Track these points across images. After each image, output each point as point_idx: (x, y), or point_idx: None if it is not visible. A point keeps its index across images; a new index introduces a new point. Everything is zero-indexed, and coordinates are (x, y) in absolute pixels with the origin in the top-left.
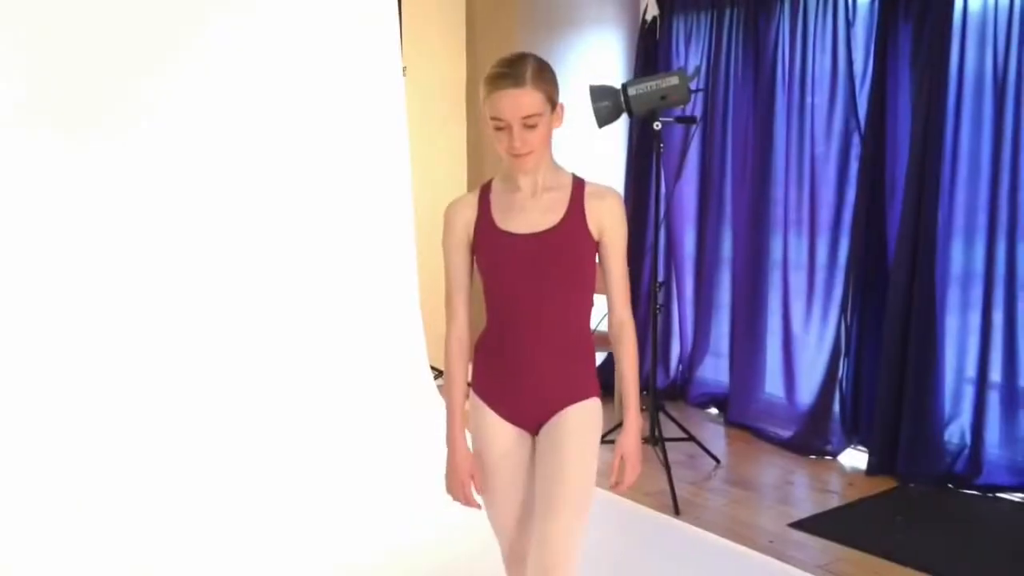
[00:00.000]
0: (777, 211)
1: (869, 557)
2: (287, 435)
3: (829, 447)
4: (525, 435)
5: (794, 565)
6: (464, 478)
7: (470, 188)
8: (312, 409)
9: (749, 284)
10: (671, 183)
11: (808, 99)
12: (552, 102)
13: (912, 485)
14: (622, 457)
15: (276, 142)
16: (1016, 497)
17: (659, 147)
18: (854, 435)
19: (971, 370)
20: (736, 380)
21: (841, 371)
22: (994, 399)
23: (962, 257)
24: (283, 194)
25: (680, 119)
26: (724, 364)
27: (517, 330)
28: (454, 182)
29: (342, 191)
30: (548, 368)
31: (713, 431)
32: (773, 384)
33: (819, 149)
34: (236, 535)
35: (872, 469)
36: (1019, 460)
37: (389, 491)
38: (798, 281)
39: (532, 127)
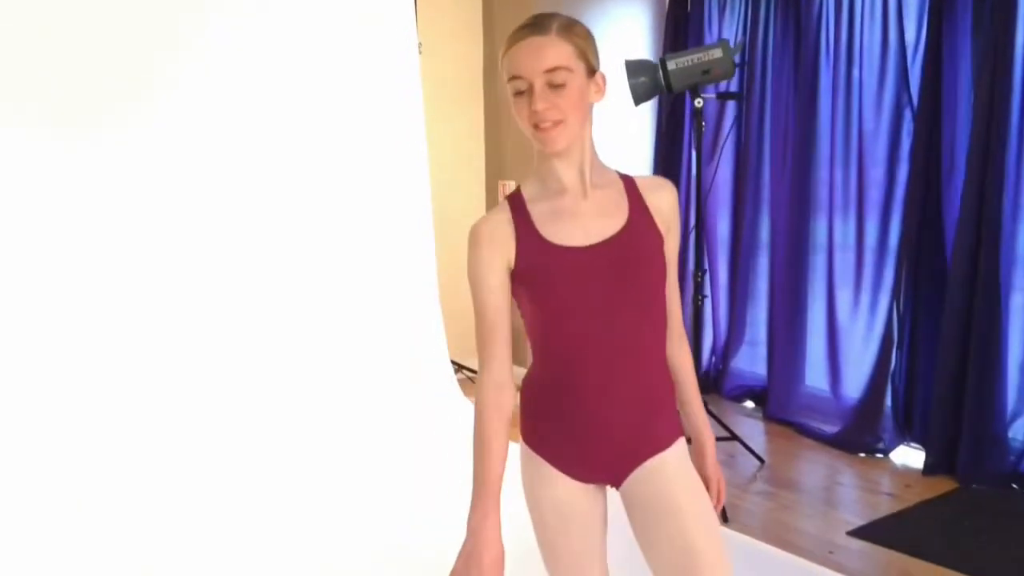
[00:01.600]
0: (821, 192)
1: (936, 568)
2: (300, 430)
3: (880, 444)
4: (597, 491)
5: None
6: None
7: (488, 169)
8: (330, 404)
9: (790, 270)
10: (706, 165)
11: (855, 73)
12: (586, 61)
13: (974, 486)
14: (716, 480)
15: (290, 125)
16: None
17: (700, 126)
18: (907, 432)
19: None
20: (776, 372)
21: (893, 363)
22: None
23: None
24: (297, 179)
25: (723, 95)
26: (761, 354)
27: (585, 368)
28: (471, 164)
29: (358, 174)
30: (632, 410)
31: (751, 427)
32: (816, 376)
33: (868, 126)
34: (253, 530)
35: (929, 469)
36: None
37: (409, 487)
38: (844, 266)
39: (559, 86)
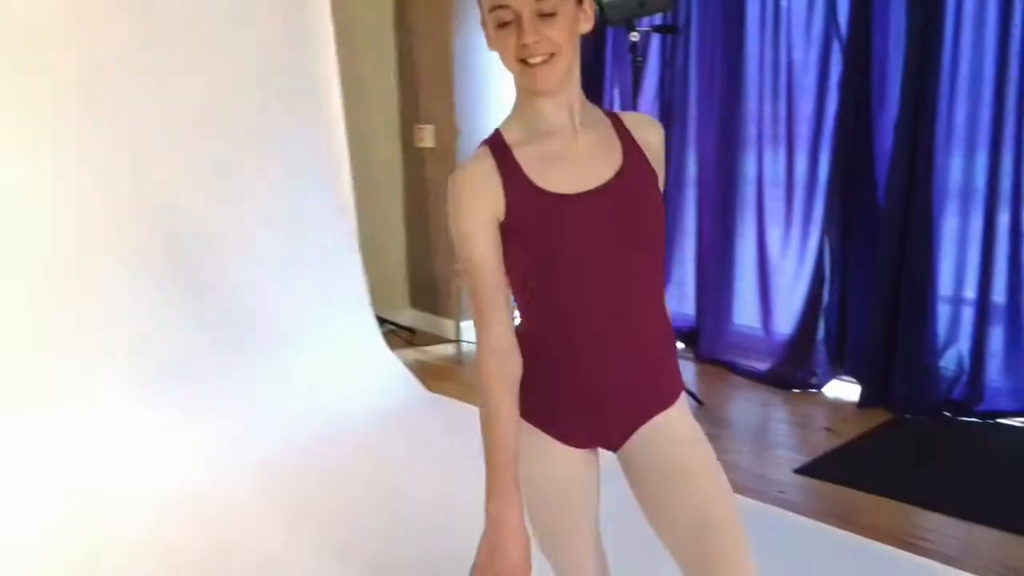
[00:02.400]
0: (749, 126)
1: (881, 499)
2: (221, 392)
3: (813, 379)
4: (591, 456)
5: (813, 516)
6: (520, 571)
7: (403, 113)
8: (251, 363)
9: (718, 207)
10: (628, 101)
11: (783, 1)
12: None
13: (908, 416)
14: None
15: (196, 69)
16: (1018, 422)
17: (637, 61)
18: (839, 366)
19: (971, 291)
20: (705, 311)
21: (825, 298)
22: (996, 321)
23: (961, 174)
24: (206, 126)
25: (659, 28)
26: (690, 294)
27: (587, 323)
28: (385, 109)
29: (270, 122)
30: (636, 366)
31: (683, 368)
32: (746, 314)
33: (796, 56)
34: (155, 486)
35: (863, 401)
36: (1023, 384)
37: (339, 445)
38: (774, 202)
39: (549, 16)
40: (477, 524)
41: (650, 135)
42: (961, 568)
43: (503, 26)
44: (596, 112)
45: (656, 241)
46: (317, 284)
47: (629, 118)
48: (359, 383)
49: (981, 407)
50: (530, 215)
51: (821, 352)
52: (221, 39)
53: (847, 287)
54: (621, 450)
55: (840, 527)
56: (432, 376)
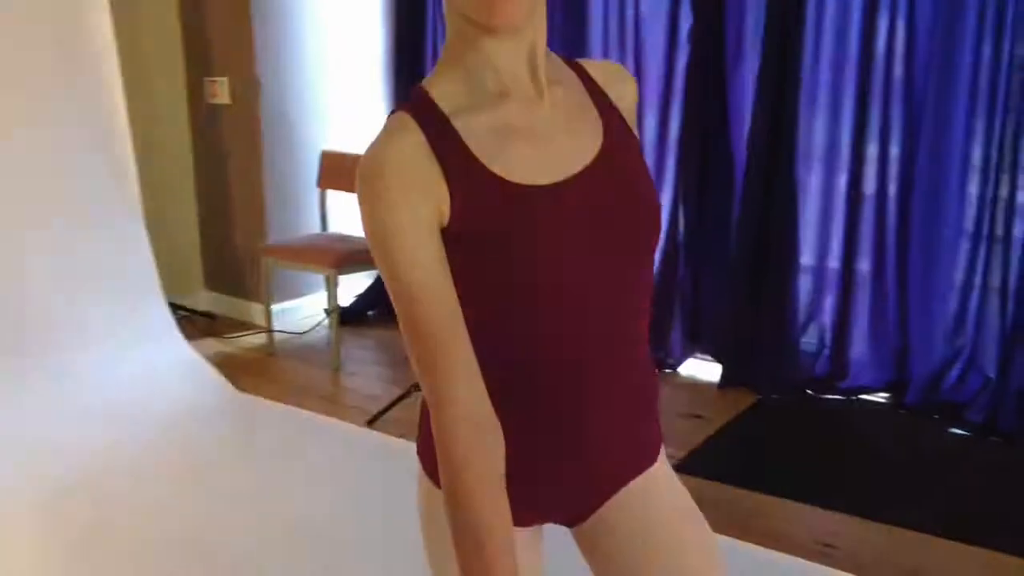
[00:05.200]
0: None
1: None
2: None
3: (670, 359)
4: (536, 535)
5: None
6: None
7: (189, 67)
8: (38, 354)
9: None
10: None
11: None
12: None
13: (773, 396)
14: None
15: None
16: (882, 398)
17: None
18: (696, 344)
19: (834, 261)
20: None
21: (680, 271)
22: (860, 292)
23: (825, 134)
24: None
25: None
26: None
27: (559, 366)
28: (167, 63)
29: (28, 78)
30: (620, 418)
31: None
32: None
33: (644, 9)
34: None
35: (725, 382)
36: (886, 358)
37: (136, 437)
38: None
39: None
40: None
41: (626, 88)
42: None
43: None
44: (558, 62)
45: (650, 251)
46: (96, 266)
47: (596, 69)
48: (153, 381)
49: (844, 384)
50: (486, 217)
51: (676, 330)
52: None
53: (703, 258)
54: (584, 523)
55: (738, 536)
56: (241, 371)
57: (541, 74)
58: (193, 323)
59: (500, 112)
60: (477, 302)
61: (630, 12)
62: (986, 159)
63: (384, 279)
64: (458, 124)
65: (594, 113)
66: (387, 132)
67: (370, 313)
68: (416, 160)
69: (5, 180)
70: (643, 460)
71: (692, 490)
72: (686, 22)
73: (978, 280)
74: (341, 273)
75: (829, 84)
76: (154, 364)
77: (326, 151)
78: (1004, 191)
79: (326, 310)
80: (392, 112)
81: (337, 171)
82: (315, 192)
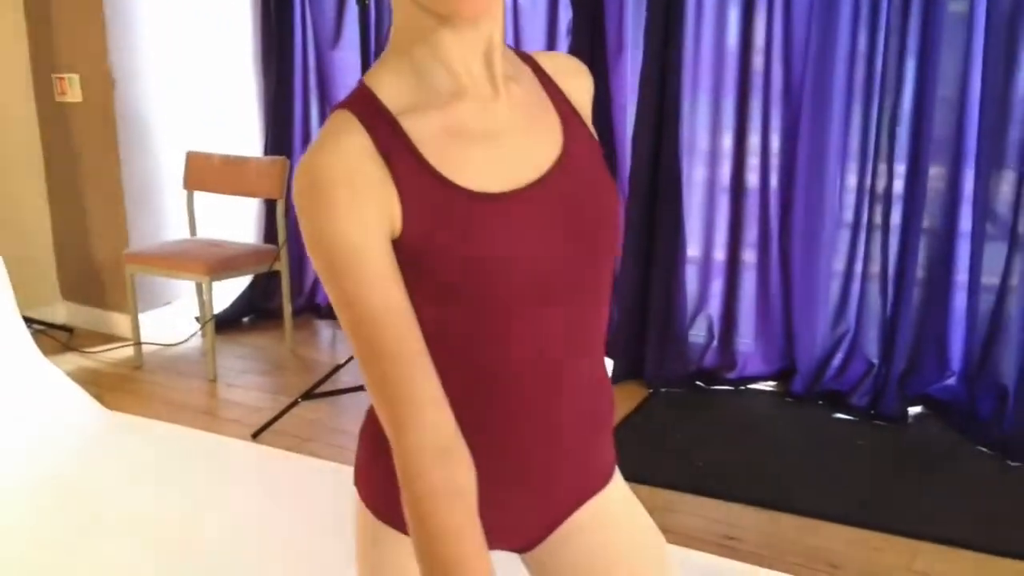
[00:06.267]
0: None
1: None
2: None
3: None
4: None
5: None
6: None
7: (36, 64)
8: None
9: None
10: (326, 50)
11: None
12: None
13: (663, 390)
14: None
15: None
16: (769, 387)
17: (364, 4)
18: None
19: (720, 252)
20: None
21: None
22: (746, 283)
23: (708, 127)
24: None
25: None
26: None
27: (523, 385)
28: (10, 59)
29: None
30: (577, 439)
31: None
32: None
33: (522, 0)
34: None
35: (618, 376)
36: (773, 347)
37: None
38: None
39: None
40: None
41: (582, 83)
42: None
43: None
44: (512, 56)
45: (617, 247)
46: None
47: (552, 62)
48: (10, 401)
49: (733, 375)
50: (439, 228)
51: None
52: None
53: None
54: (536, 549)
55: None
56: (107, 388)
57: (498, 71)
58: (50, 336)
59: (453, 112)
60: (425, 303)
61: (508, 3)
62: (863, 150)
63: (333, 300)
64: (407, 125)
65: (552, 112)
66: (329, 134)
67: (245, 320)
68: (364, 167)
69: None
70: (597, 481)
71: None
72: (566, 15)
73: (858, 268)
74: (215, 280)
75: (710, 77)
76: (9, 383)
77: (192, 152)
78: (881, 181)
79: (198, 319)
80: (333, 110)
81: (204, 172)
82: (181, 195)
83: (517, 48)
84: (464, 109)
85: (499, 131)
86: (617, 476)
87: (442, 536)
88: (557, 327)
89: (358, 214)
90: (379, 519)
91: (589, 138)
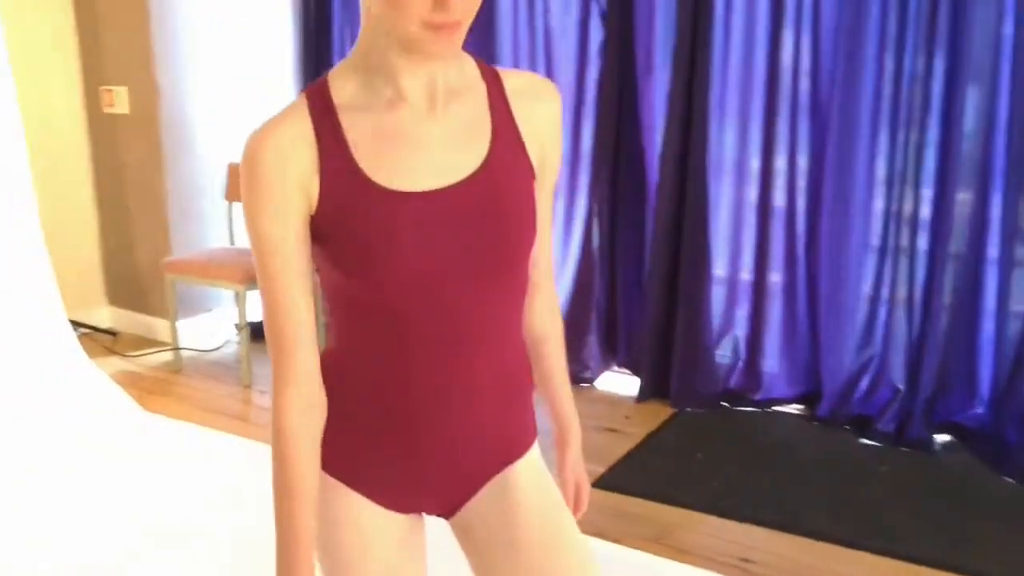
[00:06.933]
0: None
1: (696, 515)
2: None
3: (587, 373)
4: (415, 523)
5: (628, 542)
6: None
7: (87, 67)
8: None
9: None
10: None
11: None
12: None
13: (688, 409)
14: (577, 483)
15: None
16: (795, 410)
17: None
18: (612, 357)
19: (747, 273)
20: None
21: (595, 285)
22: (772, 304)
23: (735, 147)
24: None
25: None
26: None
27: (416, 357)
28: (63, 72)
29: None
30: (480, 411)
31: None
32: None
33: (554, 23)
34: None
35: (643, 395)
36: (799, 370)
37: (40, 462)
38: None
39: None
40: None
41: (540, 107)
42: None
43: None
44: (471, 73)
45: (515, 260)
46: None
47: (516, 82)
48: (55, 400)
49: (759, 396)
50: (349, 213)
51: (593, 344)
52: None
53: (617, 270)
54: (456, 516)
55: (656, 552)
56: (147, 391)
57: (439, 89)
58: (95, 340)
59: (389, 117)
60: (337, 278)
61: (540, 25)
62: (890, 173)
63: (255, 261)
64: (344, 120)
65: (487, 129)
66: (281, 115)
67: None
68: (295, 150)
69: None
70: (510, 453)
71: (611, 505)
72: (597, 36)
73: (885, 293)
74: (250, 289)
75: (737, 98)
76: (55, 383)
77: (233, 163)
78: (908, 205)
79: (236, 326)
80: (300, 93)
81: None
82: (223, 205)
83: (516, 67)
84: (399, 117)
85: (425, 141)
86: (534, 450)
87: (290, 462)
88: (450, 310)
89: (279, 191)
90: (324, 471)
91: (517, 157)
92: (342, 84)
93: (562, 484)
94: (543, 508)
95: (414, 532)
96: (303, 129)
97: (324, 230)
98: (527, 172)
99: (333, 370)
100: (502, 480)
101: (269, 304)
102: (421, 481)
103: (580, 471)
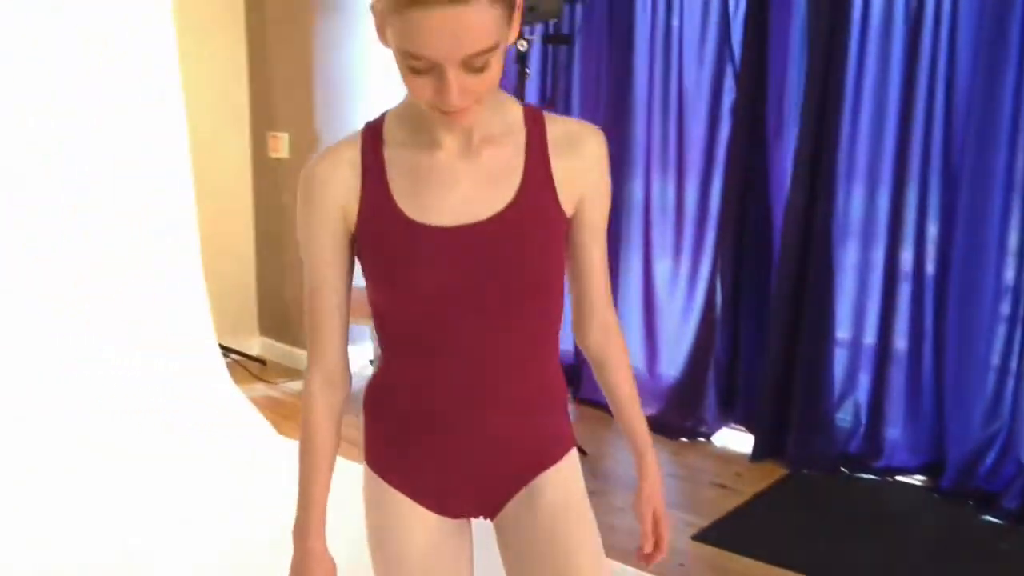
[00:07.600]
0: (637, 151)
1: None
2: (61, 423)
3: (703, 428)
4: (463, 527)
5: None
6: None
7: (255, 121)
8: (90, 394)
9: None
10: None
11: (675, 22)
12: (511, 8)
13: (804, 471)
14: (655, 516)
15: (29, 83)
16: (917, 480)
17: (524, 72)
18: (730, 413)
19: (870, 337)
20: None
21: (716, 339)
22: (896, 370)
23: (863, 210)
24: (37, 145)
25: (551, 38)
26: (569, 333)
27: (444, 374)
28: (234, 116)
29: (104, 135)
30: (504, 430)
31: None
32: (630, 353)
33: (688, 80)
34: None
35: (757, 454)
36: (922, 439)
37: (180, 479)
38: (663, 233)
39: (479, 71)
40: None
41: (579, 152)
42: None
43: (417, 73)
44: (512, 115)
45: (539, 294)
46: (153, 305)
47: (560, 128)
48: (198, 420)
49: (879, 463)
50: (380, 237)
51: (711, 399)
52: (49, 28)
53: (739, 328)
54: (496, 520)
55: None
56: (284, 416)
57: (475, 137)
58: (244, 367)
59: (426, 157)
60: (378, 293)
61: (674, 84)
62: (1022, 242)
63: (303, 263)
64: (388, 154)
65: (518, 173)
66: (340, 142)
67: None
68: (342, 173)
69: (65, 224)
70: (540, 464)
71: (710, 559)
72: (729, 96)
73: (1014, 364)
74: None
75: (867, 160)
76: (201, 403)
77: None
78: None
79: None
80: (364, 127)
81: None
82: None
83: (661, 129)
84: (434, 158)
85: (455, 182)
86: (571, 457)
87: (313, 429)
88: (467, 333)
89: (324, 209)
90: (377, 474)
91: (544, 202)
92: (395, 122)
93: (638, 517)
94: (556, 515)
95: (462, 535)
96: (352, 157)
97: (362, 247)
98: (555, 216)
99: (381, 387)
100: (532, 486)
101: (308, 296)
102: (455, 484)
103: (657, 505)
